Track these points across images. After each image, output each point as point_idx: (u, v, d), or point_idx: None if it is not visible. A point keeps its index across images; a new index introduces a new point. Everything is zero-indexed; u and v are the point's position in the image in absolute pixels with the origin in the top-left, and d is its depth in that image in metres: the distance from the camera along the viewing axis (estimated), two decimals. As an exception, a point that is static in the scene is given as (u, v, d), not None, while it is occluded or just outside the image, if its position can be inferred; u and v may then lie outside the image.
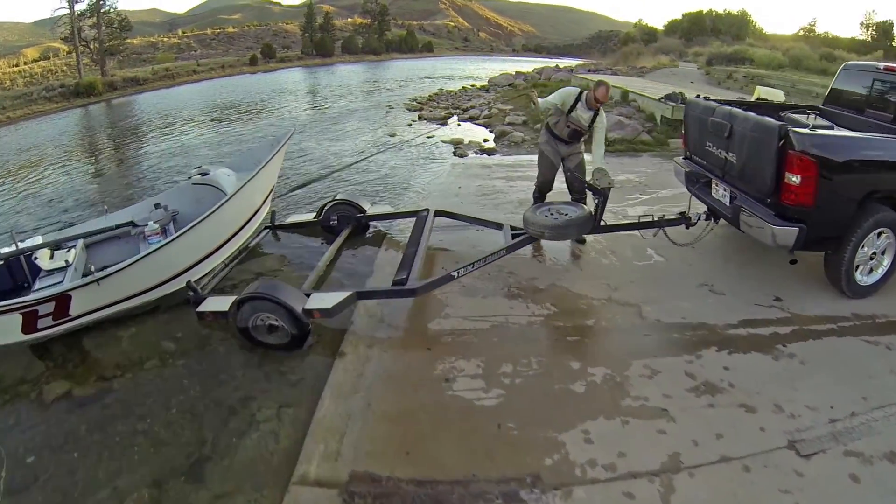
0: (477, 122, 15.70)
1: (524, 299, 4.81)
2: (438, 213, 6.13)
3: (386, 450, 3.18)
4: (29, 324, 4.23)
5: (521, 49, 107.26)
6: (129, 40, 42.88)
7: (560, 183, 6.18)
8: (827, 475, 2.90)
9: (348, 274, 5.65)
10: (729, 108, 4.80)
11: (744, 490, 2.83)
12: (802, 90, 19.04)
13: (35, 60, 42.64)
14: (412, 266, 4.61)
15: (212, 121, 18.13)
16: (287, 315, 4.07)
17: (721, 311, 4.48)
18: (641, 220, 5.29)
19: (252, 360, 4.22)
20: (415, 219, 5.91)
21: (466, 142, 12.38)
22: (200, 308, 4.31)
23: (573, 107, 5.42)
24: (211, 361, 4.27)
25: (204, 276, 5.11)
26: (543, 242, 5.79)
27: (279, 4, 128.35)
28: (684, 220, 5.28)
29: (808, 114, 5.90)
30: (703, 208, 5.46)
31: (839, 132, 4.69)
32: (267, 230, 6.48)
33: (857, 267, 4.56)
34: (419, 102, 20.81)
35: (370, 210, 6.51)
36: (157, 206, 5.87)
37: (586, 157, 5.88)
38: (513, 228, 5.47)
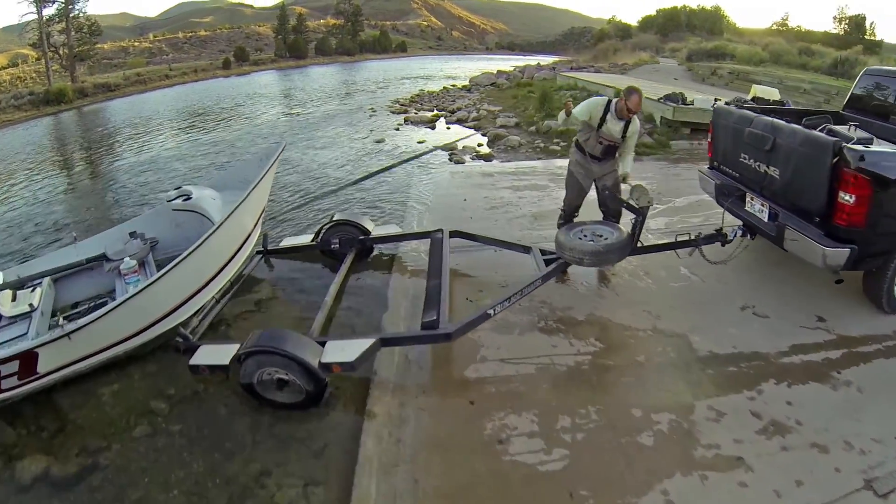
0: (466, 124, 15.11)
1: (565, 334, 4.34)
2: (454, 234, 5.53)
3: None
4: (-10, 385, 3.55)
5: (495, 47, 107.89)
6: (99, 45, 41.95)
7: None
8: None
9: (358, 310, 5.01)
10: (771, 119, 4.53)
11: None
12: (791, 87, 18.88)
13: (3, 68, 41.50)
14: (440, 304, 4.01)
15: (185, 129, 17.13)
16: (301, 370, 3.45)
17: (769, 337, 4.22)
18: (678, 240, 4.87)
19: (261, 423, 3.59)
20: (427, 241, 5.39)
21: (461, 147, 11.79)
22: (194, 361, 3.66)
23: (603, 119, 4.81)
24: (212, 425, 3.61)
25: (193, 316, 4.42)
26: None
27: (251, 7, 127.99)
28: (720, 236, 4.91)
29: (850, 125, 5.48)
30: (729, 221, 5.21)
31: (891, 148, 4.46)
32: (259, 256, 5.79)
33: None
34: (402, 105, 20.17)
35: (376, 231, 5.86)
36: (132, 234, 5.17)
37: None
38: (542, 252, 4.98)
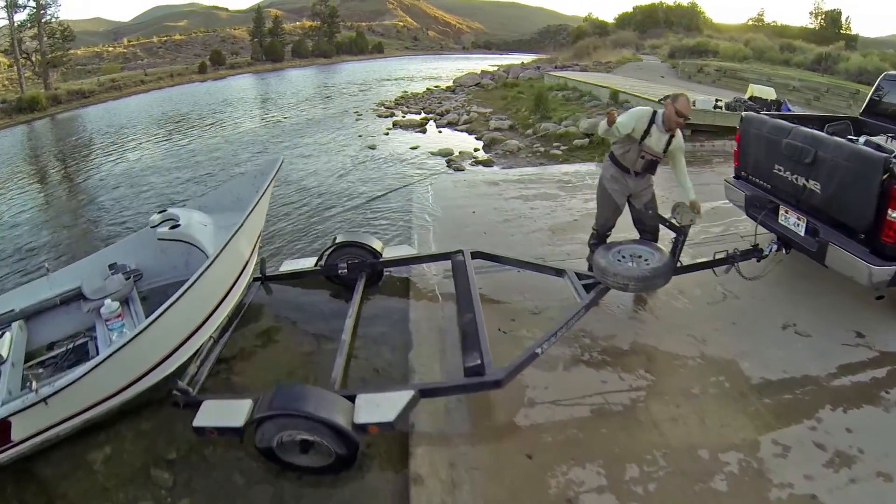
0: (457, 128, 14.68)
1: (612, 367, 3.94)
2: (476, 255, 5.02)
3: None
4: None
5: (471, 46, 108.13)
6: (72, 51, 40.60)
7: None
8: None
9: (378, 348, 4.47)
10: (811, 130, 4.35)
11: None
12: (780, 84, 18.66)
13: (-27, 75, 39.71)
14: (481, 343, 3.51)
15: (162, 138, 16.30)
16: (331, 433, 2.94)
17: (816, 358, 4.04)
18: (716, 257, 4.62)
19: (285, 492, 3.08)
20: (442, 262, 5.00)
21: (457, 153, 11.30)
22: (199, 421, 3.11)
23: (647, 132, 4.36)
24: (227, 497, 3.08)
25: (190, 361, 3.85)
26: None
27: (226, 10, 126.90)
28: (756, 252, 4.68)
29: (887, 138, 5.24)
30: (744, 230, 5.17)
31: None
32: (257, 283, 5.23)
33: None
34: (388, 107, 19.68)
35: (387, 253, 5.32)
36: (112, 267, 4.54)
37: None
38: (578, 275, 4.56)
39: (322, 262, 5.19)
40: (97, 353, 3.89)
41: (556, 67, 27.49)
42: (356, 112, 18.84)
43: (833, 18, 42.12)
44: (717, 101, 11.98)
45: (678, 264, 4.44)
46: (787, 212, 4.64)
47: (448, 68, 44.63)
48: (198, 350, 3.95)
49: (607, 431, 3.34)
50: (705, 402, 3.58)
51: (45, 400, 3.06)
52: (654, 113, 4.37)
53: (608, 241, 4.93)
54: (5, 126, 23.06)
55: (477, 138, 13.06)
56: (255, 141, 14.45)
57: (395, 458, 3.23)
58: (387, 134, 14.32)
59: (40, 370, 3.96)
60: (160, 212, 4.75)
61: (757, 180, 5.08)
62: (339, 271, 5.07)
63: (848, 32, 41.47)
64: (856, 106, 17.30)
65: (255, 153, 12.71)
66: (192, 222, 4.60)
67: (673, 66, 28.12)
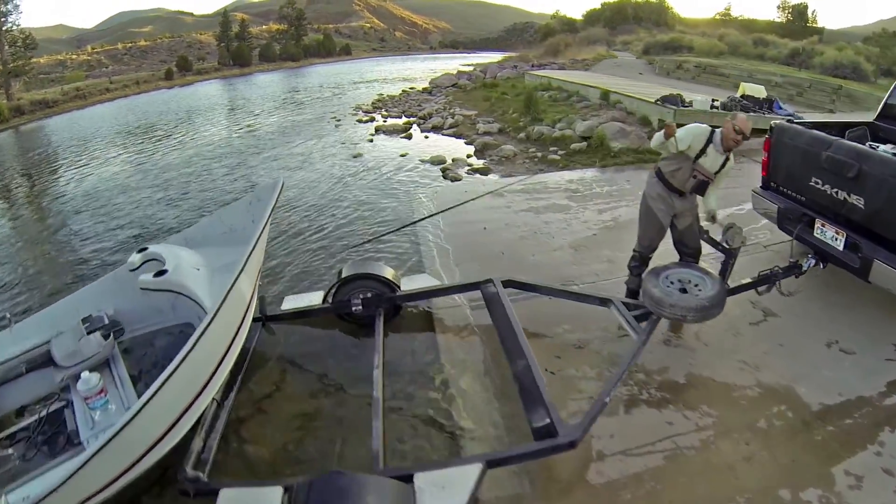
0: (444, 132, 14.07)
1: (675, 406, 3.68)
2: (508, 284, 4.49)
3: None
4: None
5: (439, 46, 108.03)
6: (35, 59, 39.10)
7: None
8: None
9: (413, 403, 3.86)
10: (855, 144, 4.30)
11: None
12: (761, 80, 18.56)
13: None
14: (543, 396, 3.09)
15: (129, 151, 15.21)
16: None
17: (864, 377, 3.97)
18: (760, 276, 4.44)
19: None
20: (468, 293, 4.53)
21: (450, 160, 10.71)
22: None
23: (703, 151, 4.08)
24: None
25: (194, 433, 3.20)
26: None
27: (191, 14, 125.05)
28: (797, 268, 4.57)
29: None
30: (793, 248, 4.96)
31: None
32: (257, 323, 4.54)
33: None
34: (366, 112, 18.98)
35: (406, 284, 4.71)
36: (86, 320, 3.71)
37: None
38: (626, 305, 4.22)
39: (331, 299, 4.57)
40: (75, 425, 3.24)
41: (533, 66, 27.11)
42: (334, 117, 18.08)
43: (800, 12, 42.77)
44: (713, 100, 11.70)
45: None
46: (823, 225, 4.53)
47: (419, 69, 44.13)
48: (201, 417, 3.30)
49: (685, 480, 3.09)
50: (773, 437, 3.42)
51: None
52: (713, 131, 4.10)
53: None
54: (-32, 140, 21.59)
55: (467, 143, 12.50)
56: (230, 153, 13.51)
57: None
58: (371, 141, 13.60)
59: (9, 450, 3.27)
60: (140, 250, 4.03)
61: (789, 192, 4.94)
62: (353, 309, 4.44)
63: (814, 25, 42.18)
64: (839, 101, 17.33)
65: (231, 167, 11.77)
66: (182, 266, 3.85)
67: (649, 63, 28.07)
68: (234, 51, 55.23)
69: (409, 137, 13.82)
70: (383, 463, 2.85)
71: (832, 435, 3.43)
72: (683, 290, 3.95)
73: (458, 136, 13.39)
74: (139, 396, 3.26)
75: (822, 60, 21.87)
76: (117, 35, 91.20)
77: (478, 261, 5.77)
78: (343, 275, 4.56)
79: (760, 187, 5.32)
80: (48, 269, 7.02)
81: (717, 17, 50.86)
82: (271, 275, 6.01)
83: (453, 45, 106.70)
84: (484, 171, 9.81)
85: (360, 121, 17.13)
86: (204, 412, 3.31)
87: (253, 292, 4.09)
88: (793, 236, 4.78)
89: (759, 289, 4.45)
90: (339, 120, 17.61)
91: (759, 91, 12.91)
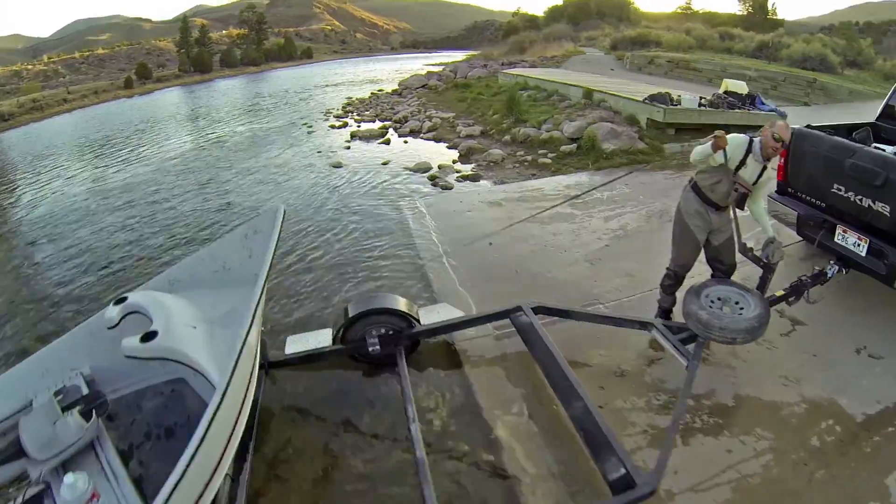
0: (423, 136, 13.60)
1: (729, 432, 3.51)
2: (540, 311, 4.11)
3: None
4: None
5: (400, 47, 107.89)
6: (-11, 71, 37.23)
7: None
8: None
9: (456, 455, 3.39)
10: (881, 153, 4.30)
11: None
12: (735, 74, 18.65)
13: None
14: (612, 442, 2.87)
15: (88, 167, 14.26)
16: None
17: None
18: (792, 285, 4.28)
19: None
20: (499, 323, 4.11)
21: (436, 167, 10.24)
22: None
23: (743, 162, 3.83)
24: None
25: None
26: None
27: (150, 21, 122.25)
28: (821, 275, 4.42)
29: None
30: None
31: None
32: (261, 372, 3.91)
33: None
34: (337, 117, 18.34)
35: (426, 317, 4.22)
36: (59, 393, 3.05)
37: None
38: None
39: (342, 338, 4.05)
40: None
41: (503, 65, 26.77)
42: (305, 123, 17.38)
43: (760, 4, 43.43)
44: (701, 98, 11.51)
45: None
46: (845, 231, 4.54)
47: (383, 70, 43.62)
48: (214, 501, 2.75)
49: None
50: (827, 454, 3.36)
51: None
52: (751, 141, 3.85)
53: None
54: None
55: (449, 147, 12.05)
56: (199, 167, 12.64)
57: None
58: (348, 148, 13.01)
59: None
60: (118, 301, 3.30)
61: (809, 198, 4.91)
62: (371, 349, 3.93)
63: (775, 17, 42.95)
64: (814, 95, 17.41)
65: (202, 184, 10.93)
66: (174, 325, 3.11)
67: (618, 59, 28.06)
68: (194, 57, 54.10)
69: (388, 143, 13.29)
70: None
71: (879, 445, 3.40)
72: (727, 310, 3.76)
73: (438, 140, 12.94)
74: (134, 483, 2.74)
75: (790, 53, 22.04)
76: (74, 44, 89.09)
77: (492, 282, 5.36)
78: (353, 312, 4.04)
79: (777, 192, 5.21)
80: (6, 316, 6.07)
81: (679, 10, 51.43)
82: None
83: (414, 45, 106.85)
84: (474, 178, 9.37)
85: (332, 126, 16.51)
86: (217, 495, 2.77)
87: (258, 343, 3.54)
88: (815, 243, 4.75)
89: (790, 299, 4.28)
90: (310, 126, 16.94)
91: (741, 87, 12.80)
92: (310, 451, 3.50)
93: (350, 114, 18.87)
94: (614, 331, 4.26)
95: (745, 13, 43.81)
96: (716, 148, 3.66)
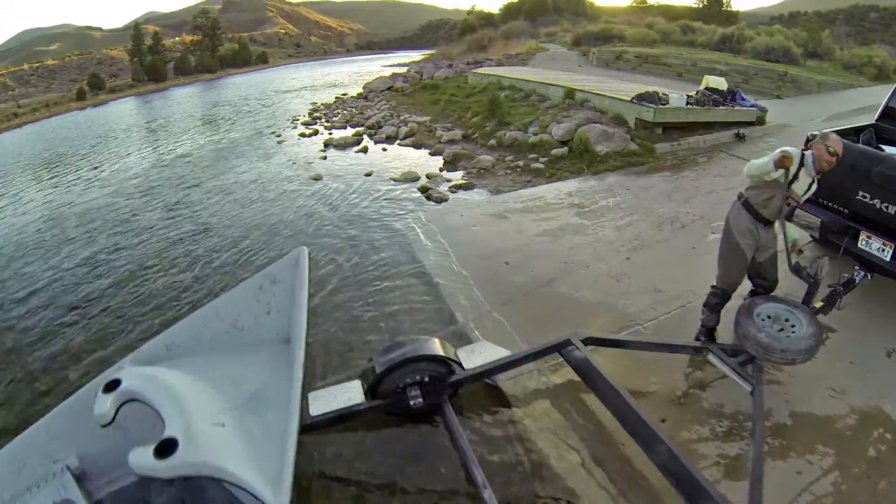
0: (401, 143, 13.06)
1: (795, 452, 3.41)
2: (590, 342, 3.85)
3: None
4: None
5: (355, 48, 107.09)
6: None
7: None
8: None
9: None
10: None
11: None
12: (705, 68, 18.69)
13: None
14: (709, 490, 2.64)
15: (41, 190, 13.18)
16: None
17: None
18: (829, 296, 4.18)
19: None
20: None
21: (424, 176, 9.74)
22: None
23: (795, 176, 3.75)
24: None
25: None
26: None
27: (100, 30, 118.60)
28: (851, 282, 4.36)
29: None
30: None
31: None
32: None
33: None
34: (306, 124, 17.62)
35: (469, 360, 3.75)
36: None
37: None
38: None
39: (375, 392, 3.56)
40: None
41: (468, 64, 26.35)
42: (273, 133, 16.64)
43: (716, -3, 44.05)
44: (688, 96, 11.33)
45: None
46: (869, 237, 4.63)
47: (341, 73, 42.97)
48: None
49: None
50: (884, 463, 3.33)
51: None
52: (802, 154, 3.80)
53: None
54: None
55: (432, 154, 11.57)
56: (164, 186, 11.68)
57: None
58: (324, 158, 12.35)
59: None
60: (108, 387, 2.56)
61: (833, 205, 4.96)
62: (412, 403, 3.46)
63: (729, 10, 43.72)
64: (785, 88, 17.55)
65: (169, 207, 9.97)
66: (195, 425, 2.40)
67: (583, 55, 28.01)
68: (147, 65, 52.70)
69: (365, 151, 12.71)
70: None
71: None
72: (780, 330, 3.63)
73: (418, 147, 12.45)
74: None
75: (753, 45, 22.27)
76: (23, 55, 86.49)
77: (520, 307, 5.02)
78: (386, 362, 3.53)
79: None
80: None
81: (635, 4, 51.85)
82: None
83: (369, 47, 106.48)
84: (467, 187, 8.93)
85: (303, 135, 15.79)
86: None
87: None
88: (840, 250, 4.76)
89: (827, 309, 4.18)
90: (279, 135, 16.20)
91: (721, 83, 12.71)
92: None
93: (318, 120, 18.17)
94: (658, 355, 4.08)
95: (701, 6, 44.47)
96: (780, 167, 3.55)
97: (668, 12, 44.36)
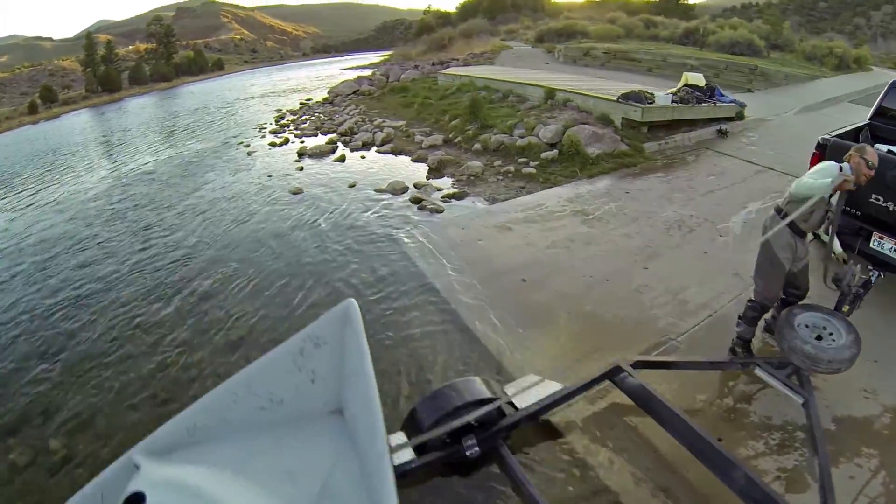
0: (379, 150, 12.65)
1: (844, 457, 3.41)
2: (640, 366, 3.73)
3: None
4: None
5: (311, 52, 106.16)
6: None
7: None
8: None
9: None
10: None
11: None
12: (676, 63, 18.80)
13: None
14: None
15: None
16: None
17: None
18: (855, 296, 4.11)
19: None
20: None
21: (412, 186, 9.37)
22: None
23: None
24: None
25: None
26: None
27: (50, 40, 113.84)
28: (868, 283, 4.27)
29: None
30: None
31: None
32: None
33: None
34: (274, 133, 16.98)
35: (522, 398, 3.44)
36: None
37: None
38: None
39: (424, 446, 3.16)
40: None
41: (434, 65, 26.02)
42: (241, 143, 15.96)
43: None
44: (673, 94, 11.28)
45: None
46: (881, 238, 4.88)
47: (300, 77, 42.26)
48: None
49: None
50: None
51: None
52: (840, 168, 3.68)
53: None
54: None
55: (415, 161, 11.20)
56: (129, 209, 10.75)
57: None
58: (301, 169, 11.78)
59: None
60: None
61: (845, 207, 4.90)
62: (468, 453, 3.13)
63: (686, 3, 44.42)
64: (756, 81, 17.75)
65: (136, 232, 9.03)
66: None
67: (548, 52, 28.01)
68: (101, 76, 51.06)
69: (343, 160, 12.24)
70: None
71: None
72: (819, 338, 3.61)
73: (398, 153, 12.07)
74: None
75: (717, 39, 22.54)
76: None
77: (552, 331, 4.67)
78: (433, 412, 3.19)
79: None
80: None
81: (593, -1, 52.20)
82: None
83: (325, 50, 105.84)
84: (459, 196, 8.59)
85: (273, 144, 15.15)
86: None
87: None
88: (855, 250, 4.86)
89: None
90: (248, 145, 15.54)
91: (700, 80, 12.73)
92: None
93: (287, 128, 17.54)
94: (705, 376, 4.10)
95: (658, 0, 44.97)
96: (840, 189, 3.55)
97: (627, 6, 44.80)
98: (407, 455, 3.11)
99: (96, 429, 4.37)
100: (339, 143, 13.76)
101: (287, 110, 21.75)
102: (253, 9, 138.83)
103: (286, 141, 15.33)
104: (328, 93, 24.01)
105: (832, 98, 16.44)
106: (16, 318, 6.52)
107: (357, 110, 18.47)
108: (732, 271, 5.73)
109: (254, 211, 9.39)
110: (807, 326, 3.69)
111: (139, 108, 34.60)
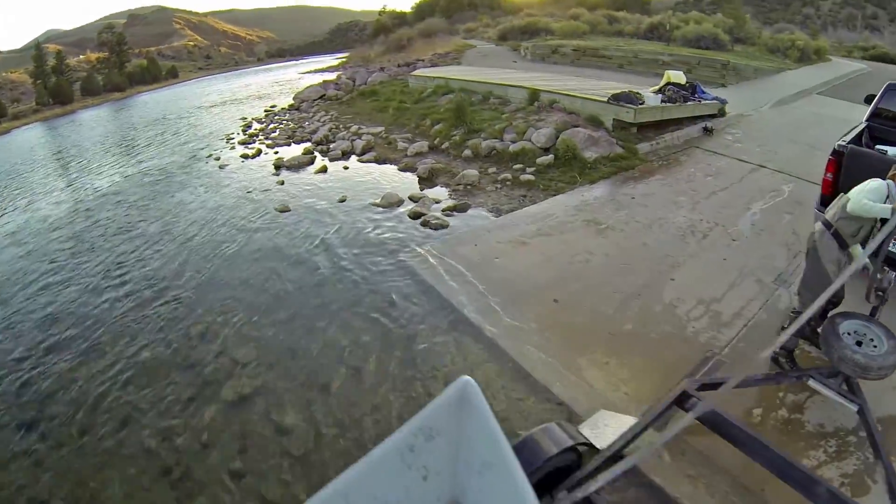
0: (361, 159, 12.22)
1: (893, 458, 3.27)
2: (704, 388, 3.56)
3: None
4: None
5: (266, 56, 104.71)
6: None
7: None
8: None
9: None
10: None
11: None
12: (648, 59, 18.89)
13: None
14: None
15: None
16: None
17: None
18: (879, 297, 4.23)
19: None
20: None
21: (407, 198, 9.00)
22: None
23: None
24: None
25: None
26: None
27: None
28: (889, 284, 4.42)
29: None
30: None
31: None
32: None
33: None
34: (244, 143, 16.27)
35: (600, 438, 3.24)
36: None
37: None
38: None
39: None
40: None
41: (400, 66, 25.61)
42: (210, 156, 15.22)
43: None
44: (662, 94, 11.24)
45: None
46: (894, 239, 4.81)
47: (259, 83, 41.41)
48: None
49: None
50: None
51: None
52: (889, 184, 4.03)
53: None
54: None
55: (402, 170, 10.84)
56: (96, 239, 9.66)
57: None
58: (281, 183, 11.13)
59: None
60: None
61: None
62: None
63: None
64: (729, 76, 17.94)
65: (107, 271, 7.87)
66: None
67: (514, 50, 27.96)
68: (52, 88, 49.12)
69: (324, 171, 11.73)
70: None
71: None
72: (859, 343, 3.68)
73: (382, 162, 11.69)
74: None
75: (683, 33, 22.77)
76: (-88, 84, 77.58)
77: (601, 358, 4.44)
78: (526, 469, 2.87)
79: (822, 205, 5.43)
80: None
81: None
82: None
83: (280, 54, 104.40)
84: (461, 208, 8.26)
85: (245, 156, 14.43)
86: None
87: None
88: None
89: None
90: (217, 158, 14.81)
91: (681, 77, 12.75)
92: None
93: (255, 138, 16.86)
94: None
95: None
96: None
97: (585, 2, 45.13)
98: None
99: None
100: (317, 153, 13.26)
101: (252, 118, 21.06)
102: (205, 14, 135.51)
103: (259, 152, 14.67)
104: (294, 99, 23.33)
105: (801, 91, 16.74)
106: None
107: (328, 117, 17.95)
108: (754, 277, 5.65)
109: (238, 239, 8.35)
110: (849, 334, 3.73)
111: (95, 120, 33.02)
